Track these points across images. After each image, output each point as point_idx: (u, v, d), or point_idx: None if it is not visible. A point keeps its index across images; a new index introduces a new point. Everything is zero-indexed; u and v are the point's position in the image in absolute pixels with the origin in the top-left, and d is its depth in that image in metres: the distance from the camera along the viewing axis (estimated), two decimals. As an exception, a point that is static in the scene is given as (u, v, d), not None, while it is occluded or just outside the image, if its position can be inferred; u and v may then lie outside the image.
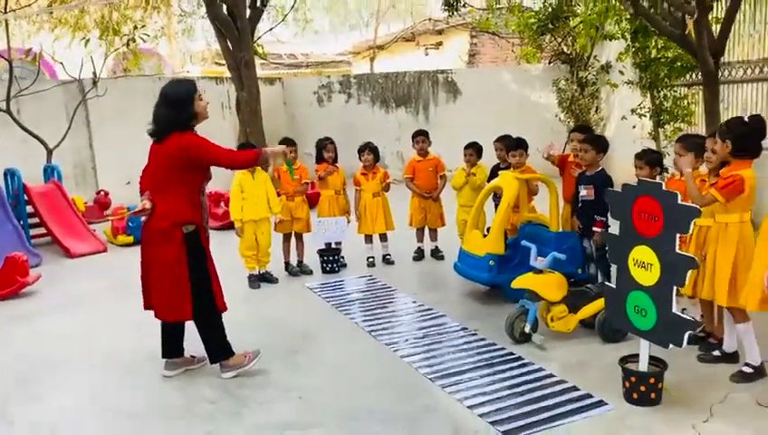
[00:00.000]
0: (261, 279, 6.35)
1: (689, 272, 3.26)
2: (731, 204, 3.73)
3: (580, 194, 5.08)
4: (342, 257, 6.81)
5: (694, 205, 3.29)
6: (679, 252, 3.29)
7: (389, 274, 6.57)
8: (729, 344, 4.06)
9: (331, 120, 12.83)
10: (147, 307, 4.14)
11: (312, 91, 13.84)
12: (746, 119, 3.79)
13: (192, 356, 4.32)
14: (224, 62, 11.60)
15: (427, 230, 7.08)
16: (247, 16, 10.97)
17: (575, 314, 4.51)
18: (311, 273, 6.63)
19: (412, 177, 6.96)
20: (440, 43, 18.95)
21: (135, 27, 11.08)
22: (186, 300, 3.95)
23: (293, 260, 6.73)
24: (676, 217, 3.26)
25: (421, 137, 6.99)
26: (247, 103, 11.02)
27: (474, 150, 6.63)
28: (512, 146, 5.90)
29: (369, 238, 6.92)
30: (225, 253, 5.87)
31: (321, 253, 6.70)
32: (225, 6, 10.76)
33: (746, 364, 3.83)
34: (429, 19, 18.67)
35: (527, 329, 4.48)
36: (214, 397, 3.93)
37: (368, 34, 23.99)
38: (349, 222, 6.70)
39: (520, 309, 4.54)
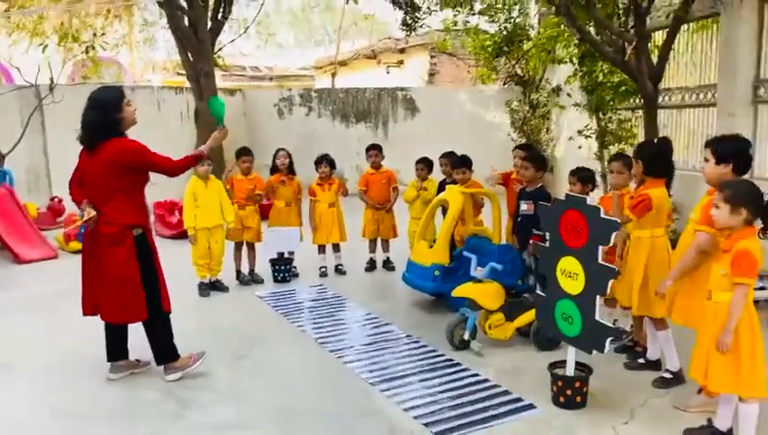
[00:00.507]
0: (211, 287, 6.37)
1: (611, 281, 3.46)
2: (642, 220, 3.97)
3: (521, 208, 5.29)
4: (294, 267, 6.88)
5: (614, 218, 3.49)
6: (601, 262, 3.49)
7: (341, 283, 6.67)
8: (652, 352, 4.28)
9: (291, 132, 12.93)
10: (87, 313, 4.16)
11: (273, 103, 13.92)
12: (655, 141, 4.05)
13: (137, 360, 4.34)
14: (185, 72, 11.62)
15: (379, 241, 7.21)
16: (208, 28, 11.02)
17: (512, 323, 4.69)
18: (262, 282, 6.69)
19: (366, 189, 7.10)
20: (401, 62, 19.24)
21: (95, 35, 11.02)
22: (140, 301, 4.01)
23: (245, 269, 6.77)
24: (599, 229, 3.46)
25: (374, 151, 7.15)
26: (206, 113, 11.03)
27: (425, 165, 6.82)
28: (456, 163, 6.08)
29: (322, 248, 7.01)
30: (178, 261, 5.94)
31: (272, 262, 6.76)
32: (186, 18, 10.80)
33: (666, 370, 4.05)
34: (390, 38, 18.96)
35: (466, 336, 4.63)
36: (156, 399, 3.97)
37: (331, 50, 24.24)
38: (302, 238, 6.78)
39: (460, 317, 4.70)
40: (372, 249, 7.24)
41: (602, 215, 3.44)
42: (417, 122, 13.86)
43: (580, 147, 9.85)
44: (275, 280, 6.70)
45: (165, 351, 4.22)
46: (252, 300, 6.15)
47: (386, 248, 7.24)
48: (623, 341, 4.53)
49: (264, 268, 6.78)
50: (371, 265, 7.22)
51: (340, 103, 14.00)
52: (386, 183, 7.11)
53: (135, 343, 4.31)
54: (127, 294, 3.99)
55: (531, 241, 5.11)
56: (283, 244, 6.70)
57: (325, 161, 6.90)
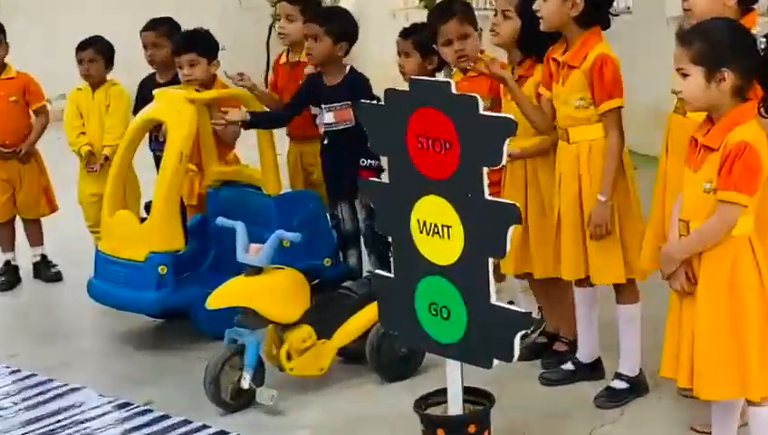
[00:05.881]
0: None
1: (511, 230, 3.87)
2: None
3: (324, 121, 5.63)
4: None
5: (506, 115, 3.92)
6: (491, 198, 3.87)
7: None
8: (586, 351, 4.86)
9: None
10: None
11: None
12: None
13: None
14: None
15: (21, 225, 7.32)
16: None
17: (329, 341, 5.04)
18: None
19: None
20: None
21: None
22: None
23: None
24: (480, 139, 3.84)
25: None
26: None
27: (95, 50, 6.96)
28: (181, 45, 6.12)
29: None
30: None
31: None
32: None
33: (618, 375, 4.63)
34: None
35: (245, 383, 4.88)
36: None
37: None
38: None
39: (229, 348, 4.95)
40: (6, 244, 7.30)
41: (482, 110, 3.82)
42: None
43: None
44: None
45: None
46: None
47: (36, 240, 7.37)
48: (532, 337, 5.05)
49: None
50: (10, 276, 7.30)
51: None
52: (15, 101, 7.07)
53: None
54: None
55: (358, 179, 5.37)
56: None
57: None
